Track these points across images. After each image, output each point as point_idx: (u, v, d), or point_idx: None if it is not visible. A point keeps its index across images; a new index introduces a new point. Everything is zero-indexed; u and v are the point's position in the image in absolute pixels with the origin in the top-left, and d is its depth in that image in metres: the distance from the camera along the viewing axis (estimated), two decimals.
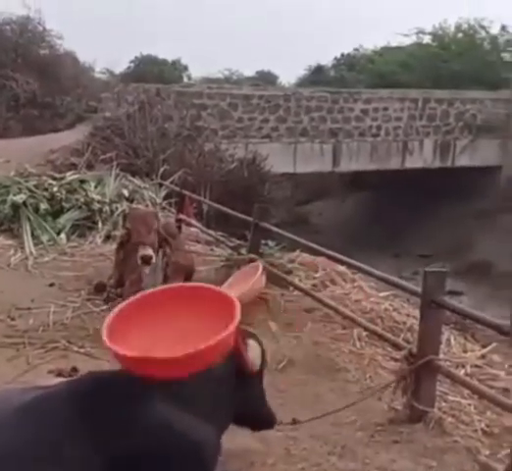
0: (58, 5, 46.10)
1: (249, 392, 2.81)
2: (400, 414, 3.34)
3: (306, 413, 3.33)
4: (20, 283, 6.22)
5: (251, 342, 2.84)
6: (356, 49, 37.06)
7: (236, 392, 2.74)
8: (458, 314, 3.19)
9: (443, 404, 3.75)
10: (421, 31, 27.60)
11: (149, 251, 5.08)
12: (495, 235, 16.97)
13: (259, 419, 2.90)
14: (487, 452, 3.19)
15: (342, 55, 37.40)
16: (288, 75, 56.95)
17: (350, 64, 35.55)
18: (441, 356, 3.47)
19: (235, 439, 3.04)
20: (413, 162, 18.10)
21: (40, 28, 20.87)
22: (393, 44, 30.53)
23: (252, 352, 2.79)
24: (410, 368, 3.30)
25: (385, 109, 17.56)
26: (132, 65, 37.09)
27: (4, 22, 20.51)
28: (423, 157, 18.21)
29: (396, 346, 3.87)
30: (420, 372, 3.26)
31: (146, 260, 5.07)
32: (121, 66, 34.93)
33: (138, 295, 2.65)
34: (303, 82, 34.79)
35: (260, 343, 2.90)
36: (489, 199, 17.96)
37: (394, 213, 18.88)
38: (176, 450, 2.45)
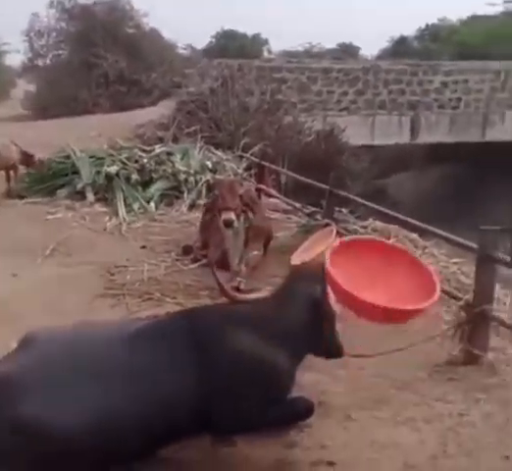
0: None
1: (326, 327, 3.20)
2: (457, 358, 3.71)
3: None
4: (115, 245, 6.88)
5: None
6: (441, 19, 36.15)
7: (315, 328, 3.15)
8: (510, 267, 3.51)
9: (502, 356, 4.06)
10: (509, 0, 26.74)
11: (231, 215, 5.53)
12: None
13: (331, 349, 3.31)
14: None
15: (427, 25, 36.53)
16: (371, 46, 56.11)
17: (435, 35, 34.68)
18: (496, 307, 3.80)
19: (308, 374, 3.50)
20: (493, 135, 17.80)
21: (128, 8, 21.64)
22: (480, 14, 29.71)
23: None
24: (466, 317, 3.65)
25: (466, 81, 17.36)
26: (214, 40, 37.57)
27: (95, 2, 21.36)
28: (504, 129, 17.85)
29: (458, 300, 4.19)
30: (475, 320, 3.62)
31: (228, 223, 5.52)
32: (202, 41, 35.51)
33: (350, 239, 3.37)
34: (385, 54, 34.28)
35: None
36: None
37: (475, 186, 18.65)
38: (253, 373, 2.94)
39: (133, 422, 2.67)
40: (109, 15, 20.97)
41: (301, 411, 3.14)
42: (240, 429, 3.00)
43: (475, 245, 3.72)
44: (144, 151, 9.73)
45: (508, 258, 3.51)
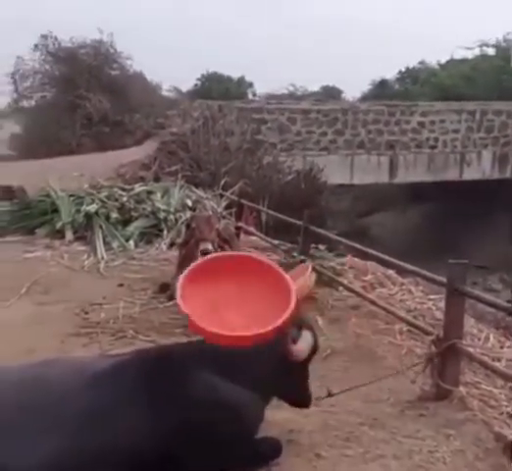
0: (128, 27, 48.08)
1: (294, 374, 3.18)
2: (428, 393, 3.69)
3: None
4: (92, 283, 6.85)
5: (305, 334, 3.16)
6: (421, 62, 37.07)
7: (282, 373, 3.11)
8: (477, 300, 3.53)
9: (475, 391, 4.06)
10: (484, 44, 27.53)
11: (209, 246, 5.53)
12: None
13: (299, 398, 3.28)
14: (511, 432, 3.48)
15: (407, 69, 37.43)
16: (353, 89, 57.40)
17: (414, 77, 35.48)
18: (468, 342, 3.80)
19: (278, 412, 3.46)
20: (471, 173, 18.10)
21: (112, 51, 22.04)
22: (457, 57, 30.53)
23: (303, 343, 3.10)
24: (437, 351, 3.65)
25: (442, 121, 17.68)
26: (199, 82, 38.18)
27: (79, 45, 21.78)
28: (481, 168, 18.20)
29: (429, 335, 4.19)
30: (445, 354, 3.61)
31: (205, 253, 5.49)
32: (188, 83, 35.90)
33: (207, 259, 3.08)
34: (367, 97, 34.91)
35: (314, 335, 3.21)
36: None
37: (453, 224, 18.87)
38: (218, 414, 2.89)
39: (92, 464, 2.62)
40: (93, 58, 21.39)
41: (269, 451, 3.10)
42: (208, 470, 2.94)
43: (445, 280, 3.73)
44: (124, 190, 9.79)
45: (476, 292, 3.53)
